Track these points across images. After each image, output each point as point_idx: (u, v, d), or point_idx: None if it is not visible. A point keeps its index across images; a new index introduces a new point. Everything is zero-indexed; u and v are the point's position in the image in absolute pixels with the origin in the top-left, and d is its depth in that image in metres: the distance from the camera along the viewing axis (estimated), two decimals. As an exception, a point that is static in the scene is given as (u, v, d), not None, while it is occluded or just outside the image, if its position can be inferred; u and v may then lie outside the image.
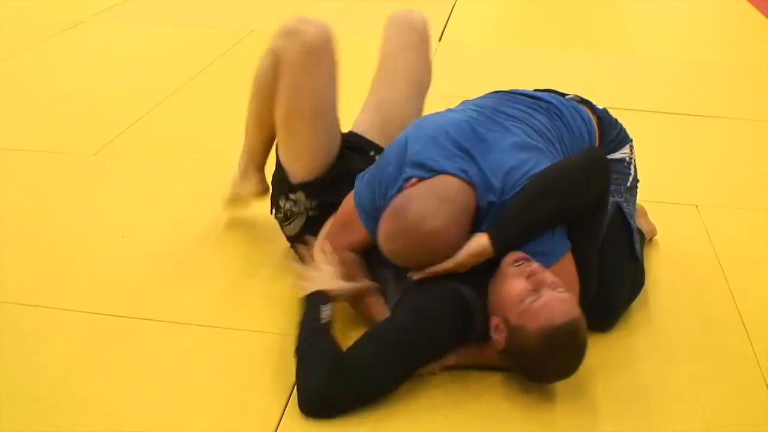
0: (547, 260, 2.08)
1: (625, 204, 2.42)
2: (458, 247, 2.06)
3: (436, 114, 2.37)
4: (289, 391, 2.07)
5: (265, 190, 2.68)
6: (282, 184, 2.51)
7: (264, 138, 2.61)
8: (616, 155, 2.45)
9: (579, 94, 2.55)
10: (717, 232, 2.87)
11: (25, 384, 2.08)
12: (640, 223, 2.63)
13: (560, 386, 2.08)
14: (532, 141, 2.24)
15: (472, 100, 2.44)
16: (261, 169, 2.69)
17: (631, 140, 2.54)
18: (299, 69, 2.38)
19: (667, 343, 2.30)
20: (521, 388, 2.09)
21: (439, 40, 4.98)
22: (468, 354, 2.11)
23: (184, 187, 3.09)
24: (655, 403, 2.09)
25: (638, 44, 5.15)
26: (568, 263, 2.14)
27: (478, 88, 4.05)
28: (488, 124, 2.25)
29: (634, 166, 2.53)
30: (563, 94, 2.50)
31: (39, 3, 5.44)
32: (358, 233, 2.26)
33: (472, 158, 2.16)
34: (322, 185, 2.44)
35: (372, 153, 2.53)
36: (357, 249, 2.28)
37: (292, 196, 2.47)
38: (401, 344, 2.00)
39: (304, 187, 2.45)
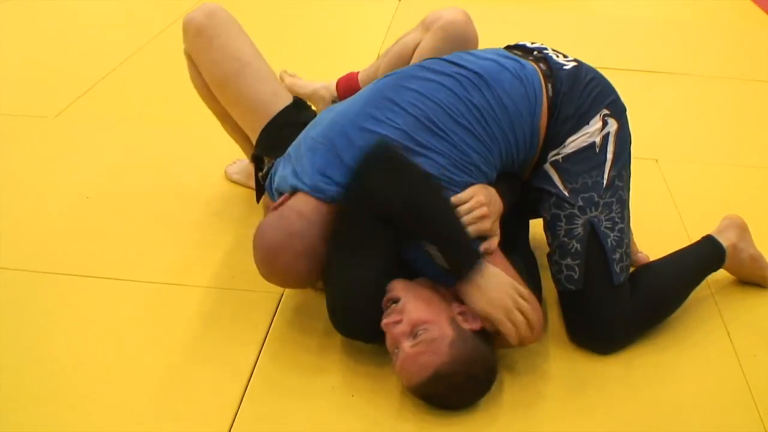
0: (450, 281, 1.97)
1: (604, 214, 2.12)
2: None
3: (337, 105, 2.26)
4: (260, 345, 2.10)
5: None
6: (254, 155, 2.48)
7: (238, 132, 2.57)
8: (578, 138, 2.14)
9: (550, 50, 2.28)
10: (677, 186, 2.92)
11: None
12: (726, 236, 2.32)
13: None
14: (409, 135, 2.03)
15: (381, 80, 2.21)
16: None
17: (606, 106, 2.18)
18: (202, 53, 2.40)
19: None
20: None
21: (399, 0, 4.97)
22: None
23: (148, 148, 3.07)
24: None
25: (597, 2, 5.18)
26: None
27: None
28: (363, 120, 2.06)
29: (616, 145, 2.16)
30: (530, 51, 2.26)
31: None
32: None
33: (341, 162, 2.03)
34: (268, 136, 2.36)
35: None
36: None
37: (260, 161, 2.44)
38: None
39: (259, 148, 2.39)
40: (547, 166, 2.15)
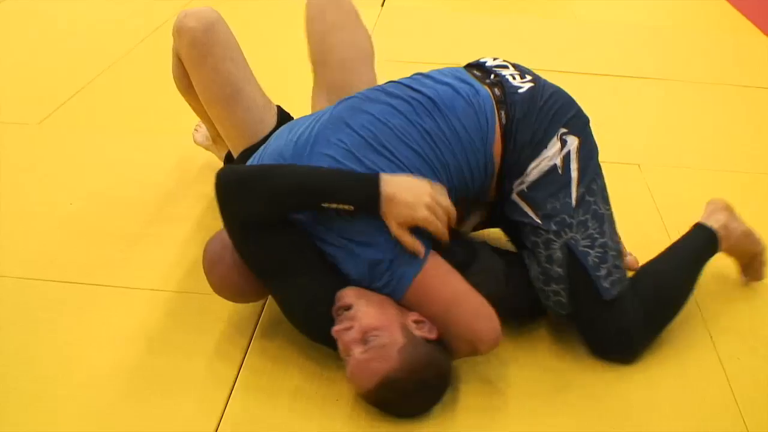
0: (396, 294, 1.99)
1: (580, 233, 2.10)
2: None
3: (298, 121, 2.25)
4: (244, 351, 2.11)
5: None
6: None
7: (212, 124, 2.65)
8: (539, 164, 2.11)
9: (510, 69, 2.24)
10: (659, 191, 2.94)
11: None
12: (715, 219, 2.37)
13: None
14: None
15: (344, 101, 2.18)
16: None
17: (564, 124, 2.14)
18: (194, 65, 2.39)
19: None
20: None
21: (382, 5, 4.98)
22: None
23: (132, 155, 3.07)
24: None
25: (580, 8, 5.20)
26: (422, 286, 1.98)
27: (421, 53, 4.10)
28: (315, 142, 2.07)
29: (579, 161, 2.13)
30: (488, 73, 2.22)
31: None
32: None
33: None
34: (245, 159, 2.37)
35: None
36: None
37: None
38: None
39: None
40: (515, 197, 2.14)
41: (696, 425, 2.00)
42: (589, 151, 2.18)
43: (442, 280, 2.00)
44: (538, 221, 2.11)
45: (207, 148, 2.94)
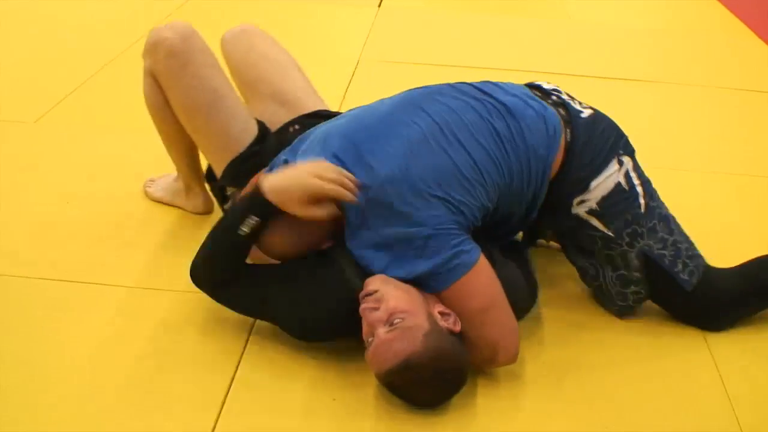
0: (439, 285, 1.99)
1: (651, 239, 2.22)
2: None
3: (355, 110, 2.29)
4: (242, 348, 2.13)
5: (209, 210, 2.70)
6: (217, 184, 2.53)
7: (186, 156, 2.59)
8: (602, 182, 2.19)
9: (565, 94, 2.33)
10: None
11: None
12: None
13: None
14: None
15: (414, 90, 2.25)
16: (202, 184, 2.67)
17: (618, 150, 2.24)
18: (173, 76, 2.37)
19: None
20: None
21: (379, 6, 5.00)
22: None
23: (128, 153, 3.08)
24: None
25: (575, 10, 5.22)
26: (475, 279, 2.00)
27: (417, 54, 4.10)
28: (388, 119, 2.12)
29: (638, 176, 2.25)
30: (548, 93, 2.30)
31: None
32: None
33: (357, 151, 2.06)
34: (233, 169, 2.40)
35: (292, 128, 2.46)
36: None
37: (228, 192, 2.48)
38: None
39: (223, 178, 2.43)
40: (581, 213, 2.21)
41: (690, 424, 2.02)
42: (640, 167, 2.29)
43: (487, 282, 2.02)
44: (611, 234, 2.21)
45: (169, 203, 2.74)
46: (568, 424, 2.00)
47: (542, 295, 2.31)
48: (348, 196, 1.97)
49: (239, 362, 2.10)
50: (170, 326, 2.22)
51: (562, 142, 2.18)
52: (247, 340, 2.16)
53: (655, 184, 3.00)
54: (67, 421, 1.90)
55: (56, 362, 2.07)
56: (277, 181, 2.01)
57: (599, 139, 2.22)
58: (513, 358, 2.05)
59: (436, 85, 2.24)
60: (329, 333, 2.10)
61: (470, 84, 2.23)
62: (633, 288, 2.26)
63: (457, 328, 1.95)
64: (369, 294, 1.94)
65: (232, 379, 2.05)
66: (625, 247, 2.21)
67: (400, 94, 2.24)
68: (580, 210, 2.20)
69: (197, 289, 2.16)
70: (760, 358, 2.25)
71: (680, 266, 2.23)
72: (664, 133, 3.52)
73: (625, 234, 2.20)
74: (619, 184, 2.20)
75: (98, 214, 2.68)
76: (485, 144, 2.07)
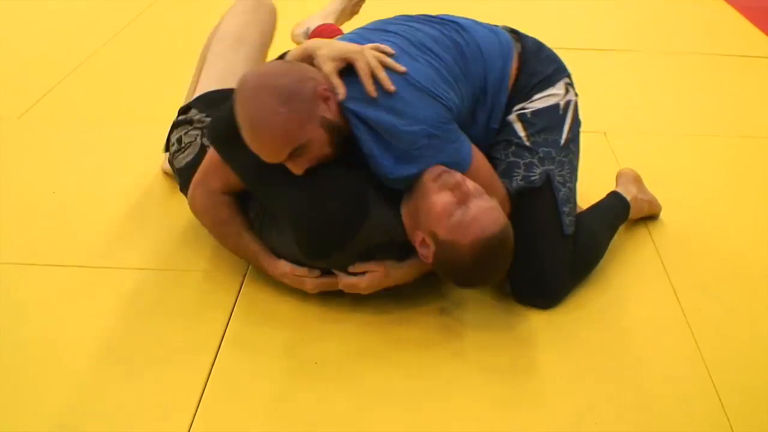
0: (461, 169, 2.09)
1: (557, 170, 2.28)
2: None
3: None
4: (225, 322, 2.21)
5: None
6: (178, 118, 2.58)
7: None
8: (544, 97, 2.32)
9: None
10: (624, 156, 3.04)
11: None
12: (628, 190, 2.59)
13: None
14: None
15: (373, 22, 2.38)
16: None
17: (567, 77, 2.41)
18: (237, 13, 2.64)
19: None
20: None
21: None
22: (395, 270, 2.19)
23: (112, 144, 3.12)
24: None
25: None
26: (478, 164, 2.16)
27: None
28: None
29: (573, 113, 2.36)
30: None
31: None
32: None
33: None
34: (215, 96, 2.48)
35: None
36: (233, 190, 2.29)
37: (182, 117, 2.54)
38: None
39: (199, 99, 2.51)
40: (512, 117, 2.29)
41: (661, 375, 2.10)
42: (578, 115, 2.40)
43: (484, 163, 2.21)
44: (528, 143, 2.26)
45: None
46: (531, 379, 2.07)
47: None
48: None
49: (225, 330, 2.17)
50: (160, 301, 2.29)
51: (515, 54, 2.31)
52: (231, 312, 2.24)
53: (625, 148, 3.09)
54: (59, 391, 1.97)
55: (46, 342, 2.13)
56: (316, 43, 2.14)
57: (548, 56, 2.39)
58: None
59: (390, 18, 2.35)
60: (336, 237, 2.09)
61: (420, 15, 2.34)
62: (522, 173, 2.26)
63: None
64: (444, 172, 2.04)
65: (220, 343, 2.12)
66: (535, 161, 2.25)
67: (358, 28, 2.33)
68: (512, 115, 2.29)
69: (186, 268, 2.24)
70: (728, 308, 2.33)
71: (567, 209, 2.27)
72: (635, 99, 3.59)
73: (540, 150, 2.26)
74: (557, 105, 2.32)
75: (84, 204, 2.74)
76: (450, 52, 2.19)
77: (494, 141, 2.30)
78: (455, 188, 2.01)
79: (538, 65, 2.34)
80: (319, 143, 2.03)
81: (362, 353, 2.12)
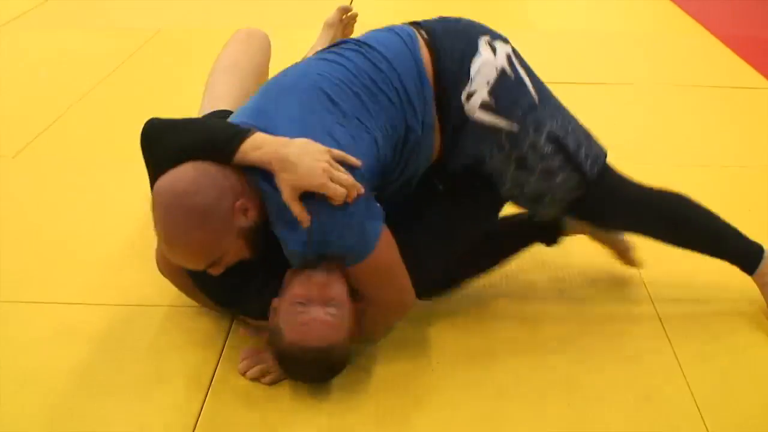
0: (355, 258, 2.00)
1: (556, 125, 2.19)
2: None
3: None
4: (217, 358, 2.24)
5: None
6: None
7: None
8: (482, 68, 2.14)
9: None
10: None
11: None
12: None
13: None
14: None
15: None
16: None
17: (483, 33, 2.21)
18: (231, 44, 2.67)
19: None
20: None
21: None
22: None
23: (107, 184, 3.15)
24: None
25: (537, 19, 5.32)
26: (378, 257, 2.02)
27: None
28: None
29: (520, 63, 2.22)
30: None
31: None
32: None
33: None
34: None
35: None
36: None
37: None
38: None
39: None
40: (479, 114, 2.13)
41: (638, 378, 2.19)
42: (524, 61, 2.25)
43: (395, 249, 2.07)
44: (516, 129, 2.14)
45: None
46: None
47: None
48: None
49: (217, 365, 2.20)
50: (155, 337, 2.32)
51: (421, 40, 2.16)
52: (222, 348, 2.28)
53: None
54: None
55: (50, 385, 2.16)
56: (290, 150, 1.91)
57: (456, 26, 2.23)
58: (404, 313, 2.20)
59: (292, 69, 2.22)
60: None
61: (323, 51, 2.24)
62: (562, 175, 2.18)
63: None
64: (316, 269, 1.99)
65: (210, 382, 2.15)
66: (533, 137, 2.15)
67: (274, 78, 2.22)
68: (472, 106, 2.12)
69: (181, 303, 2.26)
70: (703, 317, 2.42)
71: (583, 155, 2.20)
72: (623, 131, 3.62)
73: (528, 125, 2.14)
74: (504, 70, 2.15)
75: (78, 242, 2.77)
76: (365, 92, 2.06)
77: (477, 151, 2.17)
78: (314, 286, 1.97)
79: (450, 41, 2.16)
80: (237, 251, 2.00)
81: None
